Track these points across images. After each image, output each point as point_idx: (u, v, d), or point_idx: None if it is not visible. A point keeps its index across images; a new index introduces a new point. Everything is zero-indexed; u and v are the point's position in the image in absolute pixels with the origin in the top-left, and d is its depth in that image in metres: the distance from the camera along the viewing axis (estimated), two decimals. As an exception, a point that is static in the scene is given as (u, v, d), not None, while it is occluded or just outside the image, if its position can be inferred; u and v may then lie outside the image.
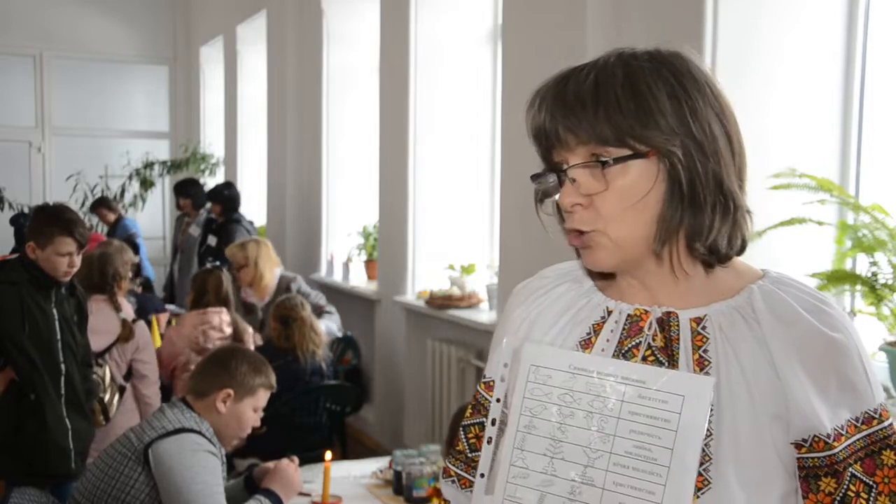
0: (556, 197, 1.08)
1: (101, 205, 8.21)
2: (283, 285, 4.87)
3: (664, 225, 1.03)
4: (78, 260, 3.14)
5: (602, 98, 1.01)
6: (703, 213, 1.03)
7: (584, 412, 1.02)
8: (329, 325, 4.75)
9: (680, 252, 1.06)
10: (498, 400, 1.11)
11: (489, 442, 1.10)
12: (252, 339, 4.09)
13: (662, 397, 0.99)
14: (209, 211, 6.63)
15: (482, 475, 1.09)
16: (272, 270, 4.89)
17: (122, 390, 3.63)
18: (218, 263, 4.25)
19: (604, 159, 1.02)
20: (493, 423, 1.10)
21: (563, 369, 1.05)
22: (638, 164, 1.02)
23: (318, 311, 4.77)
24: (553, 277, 1.20)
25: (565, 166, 1.05)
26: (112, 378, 3.59)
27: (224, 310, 3.96)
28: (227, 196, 6.38)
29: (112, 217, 8.01)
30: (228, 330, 3.90)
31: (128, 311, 3.75)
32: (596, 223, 1.04)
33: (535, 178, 1.11)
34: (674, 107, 1.02)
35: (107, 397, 3.52)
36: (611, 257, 1.05)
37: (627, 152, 1.01)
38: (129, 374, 3.68)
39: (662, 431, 0.98)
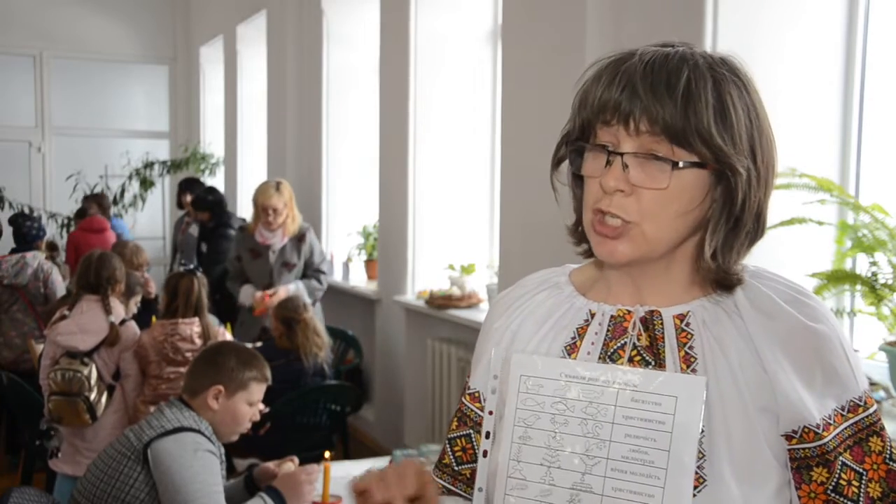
0: (589, 172, 1.05)
1: (94, 199, 8.02)
2: (300, 233, 4.90)
3: (711, 240, 1.03)
4: None
5: (693, 96, 0.98)
6: (739, 237, 1.04)
7: (578, 419, 1.02)
8: (298, 286, 4.80)
9: (705, 264, 1.06)
10: (490, 412, 1.10)
11: (485, 455, 1.09)
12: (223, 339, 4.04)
13: (656, 399, 0.99)
14: None
15: (480, 489, 1.08)
16: (298, 211, 4.97)
17: (111, 389, 3.62)
18: (191, 267, 4.22)
19: (671, 159, 0.99)
20: (487, 435, 1.09)
21: (555, 378, 1.04)
22: (695, 172, 1.00)
23: (306, 271, 4.86)
24: (532, 286, 1.19)
25: (619, 149, 1.01)
26: (100, 377, 3.58)
27: (196, 320, 3.92)
28: (211, 202, 6.37)
29: (98, 215, 7.84)
30: (199, 341, 3.88)
31: (118, 313, 3.72)
32: (633, 214, 1.02)
33: (571, 144, 1.08)
34: (748, 128, 1.02)
35: (93, 396, 3.51)
36: (634, 252, 1.03)
37: (694, 158, 0.99)
38: (118, 374, 3.67)
39: (658, 434, 0.98)
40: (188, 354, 3.79)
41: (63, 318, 3.70)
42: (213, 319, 4.17)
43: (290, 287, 4.76)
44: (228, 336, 4.12)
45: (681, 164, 0.99)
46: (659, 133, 0.99)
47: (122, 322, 3.72)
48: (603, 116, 1.02)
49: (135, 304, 4.18)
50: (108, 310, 3.67)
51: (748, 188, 1.02)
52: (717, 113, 0.99)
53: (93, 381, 3.52)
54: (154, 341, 3.80)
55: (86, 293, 3.73)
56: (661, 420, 0.98)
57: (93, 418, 3.53)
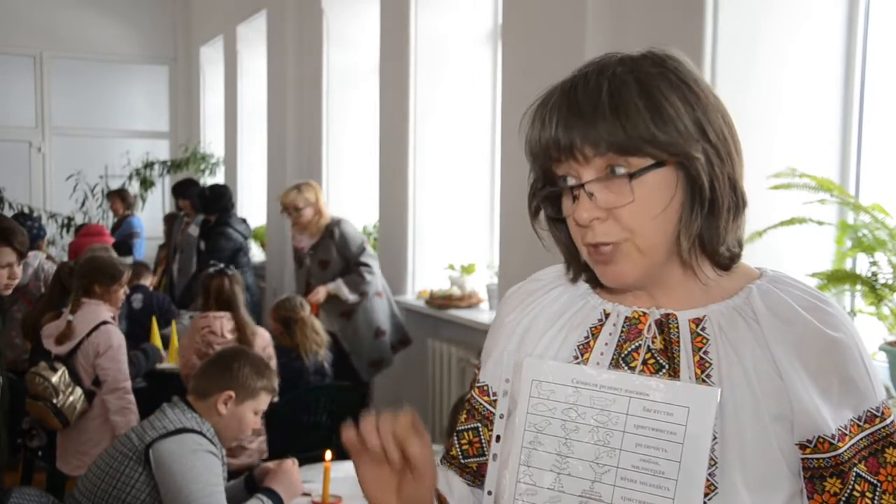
0: (565, 210, 1.05)
1: (118, 196, 8.18)
2: (329, 229, 4.78)
3: (686, 232, 1.02)
4: (18, 271, 3.00)
5: (620, 106, 0.98)
6: (720, 216, 1.02)
7: (589, 427, 1.01)
8: (338, 283, 4.64)
9: (698, 256, 1.05)
10: (501, 416, 1.09)
11: (494, 459, 1.08)
12: (260, 340, 4.02)
13: (667, 409, 0.97)
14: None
15: (489, 493, 1.07)
16: (327, 209, 4.88)
17: (90, 395, 3.58)
18: (222, 266, 4.20)
19: (627, 171, 0.99)
20: (498, 439, 1.08)
21: (566, 384, 1.03)
22: (657, 172, 0.99)
23: (348, 265, 4.68)
24: (546, 280, 1.18)
25: (578, 181, 1.01)
26: (79, 382, 3.56)
27: (226, 314, 3.91)
28: (208, 198, 6.36)
29: (122, 211, 8.00)
30: (230, 335, 3.86)
31: (99, 316, 3.64)
32: (618, 233, 1.01)
33: (539, 192, 1.08)
34: (688, 112, 1.00)
35: (60, 400, 3.47)
36: (636, 269, 1.03)
37: (648, 161, 0.99)
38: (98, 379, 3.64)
39: (669, 444, 0.97)
40: (218, 348, 3.79)
41: (56, 317, 3.72)
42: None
43: (330, 285, 4.64)
44: (265, 335, 4.06)
45: (636, 174, 0.99)
46: (605, 151, 0.99)
47: (98, 326, 3.64)
48: (550, 156, 1.02)
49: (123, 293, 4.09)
50: (73, 308, 3.65)
51: (711, 168, 1.00)
52: (650, 111, 0.98)
53: (62, 387, 3.49)
54: (190, 341, 3.81)
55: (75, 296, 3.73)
56: (673, 430, 0.97)
57: (63, 423, 3.51)
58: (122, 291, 3.89)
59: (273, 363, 3.85)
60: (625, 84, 0.99)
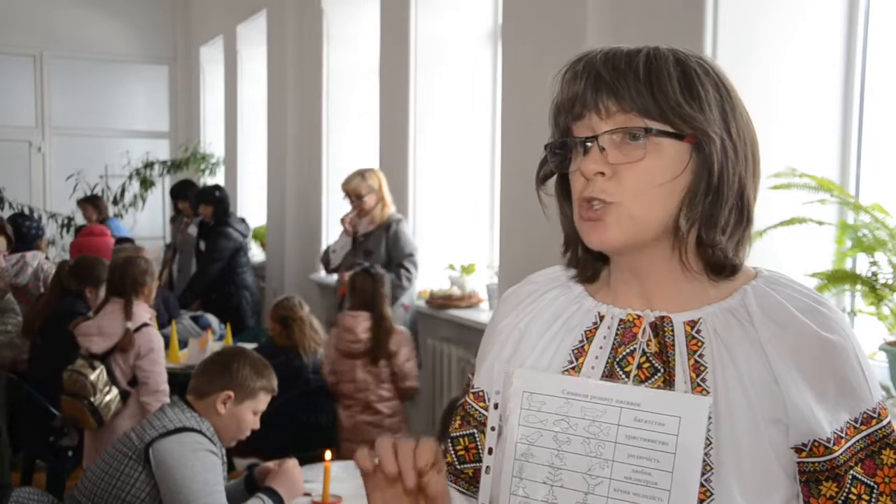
0: (572, 168, 1.05)
1: (89, 202, 8.06)
2: (387, 222, 4.64)
3: (688, 212, 1.02)
4: (2, 260, 3.01)
5: (655, 71, 1.00)
6: (722, 211, 1.02)
7: (580, 438, 1.00)
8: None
9: (689, 245, 1.04)
10: (493, 428, 1.07)
11: (487, 471, 1.07)
12: (396, 339, 3.93)
13: (659, 419, 0.97)
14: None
15: None
16: (390, 199, 4.73)
17: (125, 395, 3.59)
18: (366, 265, 4.11)
19: (644, 127, 1.00)
20: (490, 452, 1.07)
21: (557, 395, 1.02)
22: (672, 144, 1.00)
23: (390, 264, 4.53)
24: (541, 283, 1.17)
25: (594, 133, 1.02)
26: (115, 382, 3.56)
27: (363, 314, 3.89)
28: (217, 198, 6.37)
29: (95, 216, 7.88)
30: (364, 335, 3.84)
31: (139, 318, 3.66)
32: (617, 195, 1.01)
33: (552, 147, 1.08)
34: (717, 101, 1.02)
35: (99, 400, 3.48)
36: (622, 234, 1.02)
37: (668, 129, 1.00)
38: (135, 380, 3.65)
39: (661, 454, 0.96)
40: (353, 346, 3.86)
41: (88, 318, 3.72)
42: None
43: None
44: (401, 334, 4.03)
45: (653, 131, 0.99)
46: (629, 110, 1.00)
47: (140, 328, 3.63)
48: (575, 111, 1.03)
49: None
50: (128, 314, 3.64)
51: (724, 158, 1.01)
52: (681, 84, 1.00)
53: (100, 385, 3.49)
54: (333, 339, 3.90)
55: (113, 296, 3.72)
56: (664, 440, 0.96)
57: (98, 422, 3.51)
58: (156, 284, 3.92)
59: (411, 364, 3.93)
60: (664, 56, 1.02)
